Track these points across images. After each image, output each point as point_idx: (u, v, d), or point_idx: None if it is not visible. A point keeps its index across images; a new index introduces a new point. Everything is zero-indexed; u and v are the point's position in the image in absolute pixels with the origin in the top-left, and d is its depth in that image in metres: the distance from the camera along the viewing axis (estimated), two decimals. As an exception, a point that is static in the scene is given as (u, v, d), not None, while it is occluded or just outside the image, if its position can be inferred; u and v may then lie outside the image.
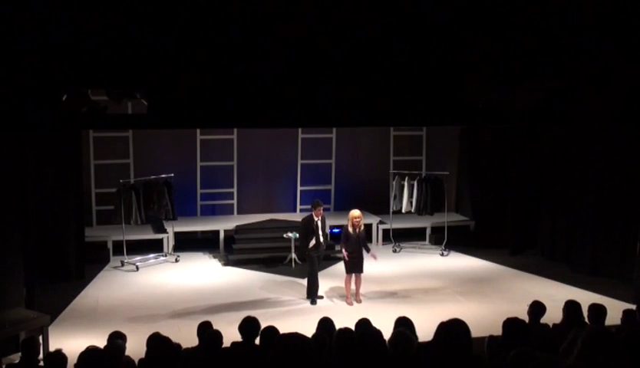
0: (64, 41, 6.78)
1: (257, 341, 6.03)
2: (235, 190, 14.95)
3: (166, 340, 5.81)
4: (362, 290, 10.82)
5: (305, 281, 11.07)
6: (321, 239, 10.83)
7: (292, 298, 10.99)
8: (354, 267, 10.59)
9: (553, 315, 7.06)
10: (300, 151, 15.16)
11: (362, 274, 10.70)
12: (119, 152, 14.12)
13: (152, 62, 7.12)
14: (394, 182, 14.22)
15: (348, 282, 10.67)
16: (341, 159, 15.38)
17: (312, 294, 10.76)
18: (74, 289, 11.41)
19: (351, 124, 11.37)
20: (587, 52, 7.89)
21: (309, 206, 11.28)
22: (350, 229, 10.58)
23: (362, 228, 10.72)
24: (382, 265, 12.56)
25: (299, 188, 15.25)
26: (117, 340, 6.27)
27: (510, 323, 5.65)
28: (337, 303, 10.78)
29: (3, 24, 6.63)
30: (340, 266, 12.69)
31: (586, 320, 6.76)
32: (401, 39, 7.48)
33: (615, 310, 7.02)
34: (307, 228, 10.82)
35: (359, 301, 10.68)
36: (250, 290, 11.48)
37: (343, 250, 10.62)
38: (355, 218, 10.56)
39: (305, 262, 11.26)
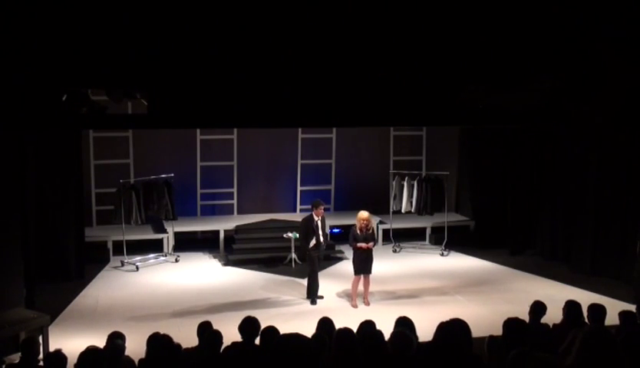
0: (64, 41, 6.79)
1: (257, 341, 6.03)
2: (235, 190, 14.95)
3: (167, 338, 5.81)
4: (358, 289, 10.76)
5: (305, 281, 11.06)
6: (322, 239, 10.81)
7: (292, 298, 10.98)
8: (363, 267, 10.47)
9: (553, 315, 7.06)
10: (300, 151, 15.16)
11: (367, 276, 10.53)
12: (119, 152, 14.12)
13: (152, 62, 7.13)
14: (394, 182, 14.22)
15: (355, 283, 10.54)
16: (341, 159, 15.38)
17: (312, 294, 10.74)
18: (74, 289, 11.41)
19: (351, 124, 11.35)
20: (587, 52, 7.89)
21: (309, 206, 11.26)
22: (357, 231, 10.48)
23: (370, 230, 10.56)
24: (382, 265, 12.55)
25: (299, 188, 15.25)
26: (116, 340, 6.27)
27: (510, 323, 5.64)
28: (337, 303, 10.77)
29: (3, 25, 6.63)
30: (340, 266, 12.72)
31: (586, 320, 6.76)
32: (402, 39, 7.48)
33: (615, 310, 7.02)
34: (307, 227, 10.80)
35: (367, 304, 10.57)
36: (250, 290, 11.48)
37: (357, 243, 10.42)
38: (363, 220, 10.43)
39: (305, 262, 11.25)
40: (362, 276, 10.53)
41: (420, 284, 11.79)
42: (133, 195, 12.75)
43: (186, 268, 12.83)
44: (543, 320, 6.93)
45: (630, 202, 11.63)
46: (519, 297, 10.27)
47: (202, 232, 14.53)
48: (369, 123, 10.74)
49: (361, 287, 10.62)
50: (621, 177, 11.80)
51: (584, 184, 12.40)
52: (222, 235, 13.80)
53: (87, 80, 7.32)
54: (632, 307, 7.28)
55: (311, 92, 7.68)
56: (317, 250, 10.78)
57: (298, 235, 11.78)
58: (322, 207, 10.89)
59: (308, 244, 10.72)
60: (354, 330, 5.77)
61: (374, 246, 10.62)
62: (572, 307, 6.87)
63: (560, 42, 7.78)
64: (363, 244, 10.41)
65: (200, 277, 12.34)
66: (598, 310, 6.71)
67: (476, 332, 5.65)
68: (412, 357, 5.23)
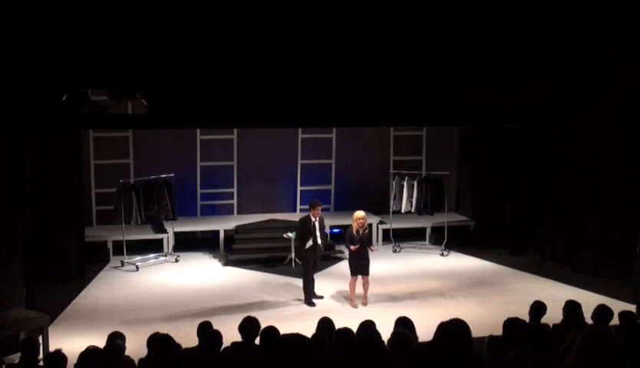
0: (64, 41, 6.79)
1: (257, 341, 6.03)
2: (235, 190, 14.95)
3: (167, 338, 5.81)
4: (359, 290, 10.74)
5: (304, 282, 11.06)
6: (319, 240, 10.74)
7: (292, 298, 10.98)
8: (359, 269, 10.44)
9: (553, 315, 7.06)
10: (300, 151, 15.16)
11: (366, 277, 10.50)
12: (119, 152, 14.12)
13: (152, 62, 7.12)
14: (394, 182, 14.22)
15: (352, 284, 10.52)
16: (341, 159, 15.38)
17: (308, 295, 10.69)
18: (74, 289, 11.41)
19: (351, 124, 11.35)
20: (587, 52, 7.89)
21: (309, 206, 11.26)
22: (354, 231, 10.45)
23: (367, 229, 10.57)
24: (382, 265, 12.56)
25: (299, 188, 15.25)
26: (116, 340, 6.27)
27: (510, 323, 5.65)
28: (337, 303, 10.77)
29: (3, 25, 6.63)
30: (340, 266, 12.70)
31: (590, 320, 6.74)
32: (401, 39, 7.48)
33: (615, 310, 7.00)
34: (304, 228, 10.78)
35: (365, 304, 10.55)
36: (250, 290, 11.47)
37: (350, 246, 10.42)
38: (359, 219, 10.40)
39: (305, 262, 11.22)
40: (360, 277, 10.50)
41: (420, 284, 11.78)
42: (133, 195, 12.75)
43: (186, 268, 12.83)
44: (543, 320, 6.93)
45: (630, 202, 11.63)
46: (519, 297, 10.27)
47: (202, 232, 14.53)
48: (369, 123, 10.74)
49: (360, 289, 10.59)
50: (621, 177, 11.80)
51: (584, 184, 12.40)
52: (222, 235, 13.80)
53: (87, 80, 7.31)
54: (632, 307, 7.28)
55: (311, 92, 7.68)
56: (314, 252, 10.74)
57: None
58: (320, 207, 10.86)
59: (305, 245, 10.70)
60: (354, 330, 5.78)
61: (373, 249, 10.57)
62: (572, 307, 6.87)
63: (561, 42, 7.77)
64: (354, 247, 10.35)
65: (200, 277, 12.34)
66: (604, 312, 6.69)
67: (476, 332, 5.66)
68: (412, 357, 5.23)
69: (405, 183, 14.08)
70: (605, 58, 7.94)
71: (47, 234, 11.64)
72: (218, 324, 6.54)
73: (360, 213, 10.55)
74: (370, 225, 10.90)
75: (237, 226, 13.76)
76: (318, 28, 7.19)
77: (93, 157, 13.96)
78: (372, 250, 10.55)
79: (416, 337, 5.71)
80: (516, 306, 8.88)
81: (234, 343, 6.02)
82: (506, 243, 13.94)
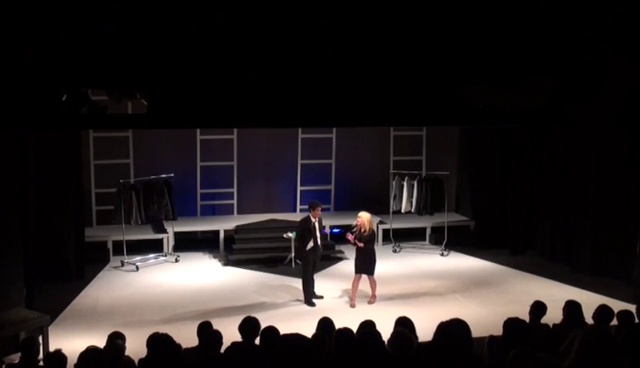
0: (64, 41, 6.79)
1: (257, 341, 6.03)
2: (235, 190, 14.95)
3: (167, 338, 5.80)
4: (364, 288, 10.72)
5: (303, 282, 11.06)
6: (319, 241, 10.74)
7: (292, 298, 10.98)
8: (363, 268, 10.47)
9: (553, 315, 7.06)
10: (300, 151, 15.15)
11: (370, 276, 10.54)
12: (119, 152, 14.12)
13: (152, 62, 7.13)
14: (394, 182, 14.22)
15: (355, 283, 10.53)
16: (341, 159, 15.38)
17: (308, 296, 10.69)
18: (74, 289, 11.41)
19: (351, 124, 11.35)
20: (587, 52, 7.89)
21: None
22: (355, 229, 10.54)
23: (367, 231, 10.45)
24: (382, 265, 12.53)
25: (299, 188, 15.25)
26: (116, 340, 6.27)
27: (510, 323, 5.64)
28: (337, 303, 10.77)
29: (3, 25, 6.64)
30: (340, 266, 12.73)
31: (591, 320, 6.74)
32: (401, 39, 7.48)
33: (615, 310, 7.01)
34: (304, 229, 10.77)
35: (372, 302, 10.58)
36: (250, 290, 11.47)
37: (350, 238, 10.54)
38: (358, 218, 10.53)
39: (304, 263, 11.22)
40: (366, 276, 10.50)
41: (420, 284, 11.79)
42: (133, 195, 12.75)
43: (186, 268, 12.83)
44: (543, 320, 6.94)
45: (630, 202, 11.62)
46: (519, 297, 10.28)
47: (202, 232, 14.53)
48: (369, 123, 10.74)
49: (362, 288, 10.59)
50: (621, 177, 11.80)
51: (584, 184, 12.40)
52: (222, 235, 13.80)
53: (87, 80, 7.32)
54: (632, 307, 7.27)
55: (311, 92, 7.68)
56: (314, 253, 10.73)
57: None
58: (319, 208, 10.86)
59: (305, 246, 10.69)
60: (354, 330, 5.78)
61: (356, 244, 10.39)
62: (572, 307, 6.86)
63: (560, 42, 7.77)
64: (350, 237, 10.47)
65: (200, 277, 12.33)
66: (605, 312, 6.69)
67: (476, 332, 5.65)
68: (412, 357, 5.23)
69: (405, 183, 14.09)
70: (604, 58, 7.94)
71: (47, 234, 11.63)
72: (218, 324, 6.54)
73: (359, 213, 10.59)
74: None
75: (237, 226, 13.76)
76: (318, 28, 7.19)
77: (93, 157, 13.96)
78: (351, 241, 10.43)
79: (416, 337, 5.71)
80: (516, 306, 8.89)
81: (234, 343, 6.02)
82: (506, 243, 13.94)
